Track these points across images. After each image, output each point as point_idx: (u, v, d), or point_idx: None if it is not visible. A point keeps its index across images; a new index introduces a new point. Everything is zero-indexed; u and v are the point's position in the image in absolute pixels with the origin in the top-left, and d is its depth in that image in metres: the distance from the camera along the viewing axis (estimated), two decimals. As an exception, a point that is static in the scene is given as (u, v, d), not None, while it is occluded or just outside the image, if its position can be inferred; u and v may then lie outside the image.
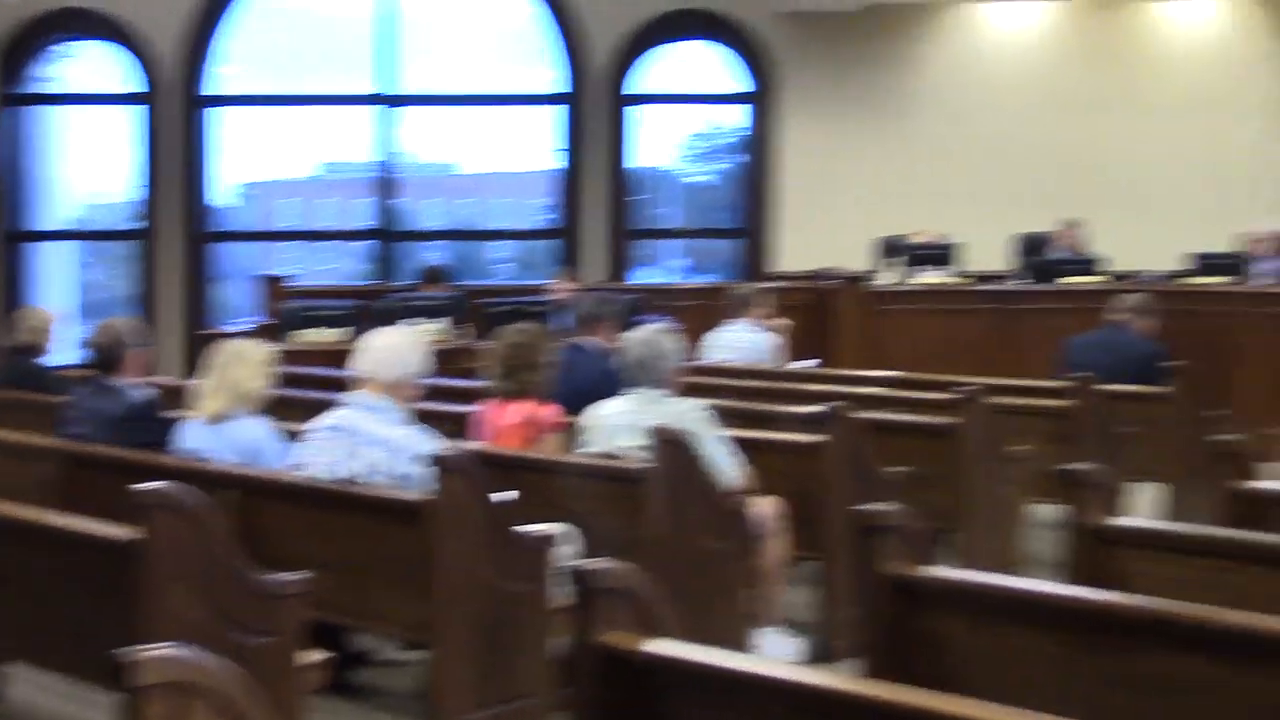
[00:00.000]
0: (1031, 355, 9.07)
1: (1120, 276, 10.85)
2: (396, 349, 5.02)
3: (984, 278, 11.56)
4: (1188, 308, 9.71)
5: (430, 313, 10.04)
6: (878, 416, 6.27)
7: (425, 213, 14.91)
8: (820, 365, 9.19)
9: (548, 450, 5.52)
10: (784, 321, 9.16)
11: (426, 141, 14.74)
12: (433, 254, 13.76)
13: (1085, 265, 11.13)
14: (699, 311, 9.79)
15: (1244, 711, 2.87)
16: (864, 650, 3.40)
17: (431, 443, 4.77)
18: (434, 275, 11.59)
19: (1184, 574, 3.69)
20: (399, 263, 13.87)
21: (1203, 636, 2.97)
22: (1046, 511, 6.41)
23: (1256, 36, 13.90)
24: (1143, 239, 12.14)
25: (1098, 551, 3.84)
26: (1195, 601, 3.21)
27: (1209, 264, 10.91)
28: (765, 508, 5.40)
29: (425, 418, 5.13)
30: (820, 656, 5.42)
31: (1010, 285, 11.24)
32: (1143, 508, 6.70)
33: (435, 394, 5.83)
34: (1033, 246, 11.90)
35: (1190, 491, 6.57)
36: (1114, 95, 13.66)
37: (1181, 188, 13.32)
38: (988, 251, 12.08)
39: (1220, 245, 11.31)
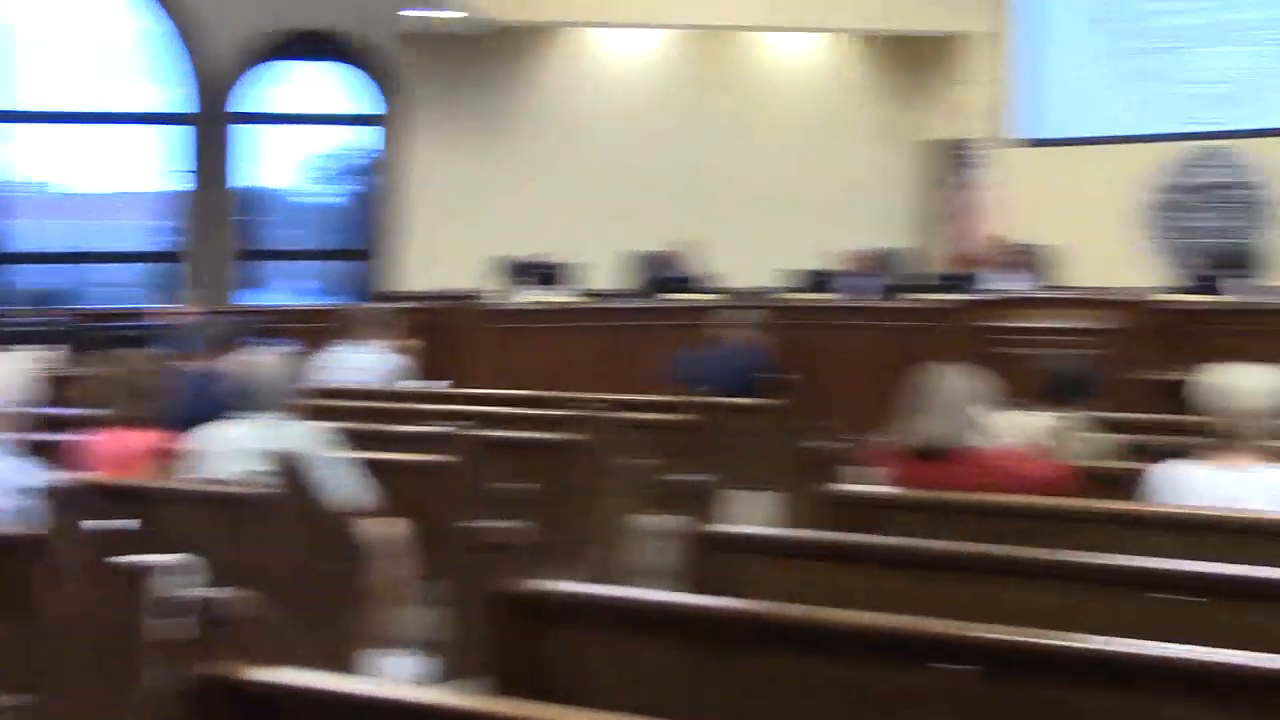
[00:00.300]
0: (649, 370, 9.33)
1: (732, 293, 11.26)
2: (-2, 378, 4.79)
3: (604, 295, 11.81)
4: (794, 322, 10.17)
5: (39, 339, 9.58)
6: (500, 434, 6.33)
7: (36, 234, 14.18)
8: (451, 386, 9.20)
9: (164, 477, 5.36)
10: (412, 342, 9.13)
11: (38, 160, 14.05)
12: (44, 277, 13.12)
13: (700, 282, 11.53)
14: (321, 333, 9.66)
15: (851, 706, 3.03)
16: (489, 669, 3.44)
17: (38, 474, 4.57)
18: (45, 299, 11.07)
19: (789, 576, 3.88)
20: (7, 287, 13.15)
21: (808, 635, 3.12)
22: (664, 522, 6.60)
23: (854, 68, 14.75)
24: (753, 256, 12.65)
25: (709, 559, 3.97)
26: (800, 602, 3.39)
27: (814, 280, 11.48)
28: (389, 529, 5.38)
29: (32, 448, 4.91)
30: (447, 676, 5.44)
31: (628, 302, 11.53)
32: (754, 515, 6.97)
33: (44, 423, 5.58)
34: (650, 264, 12.24)
35: (798, 497, 6.88)
36: (726, 120, 14.23)
37: (788, 208, 13.98)
38: (609, 270, 12.36)
39: (823, 263, 11.93)
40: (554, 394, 7.82)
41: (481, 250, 12.42)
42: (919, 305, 10.53)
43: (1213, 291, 10.31)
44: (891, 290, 11.28)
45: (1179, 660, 2.82)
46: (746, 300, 10.37)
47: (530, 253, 12.16)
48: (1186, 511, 4.32)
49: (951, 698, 2.88)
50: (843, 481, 4.71)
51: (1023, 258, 11.67)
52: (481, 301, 11.19)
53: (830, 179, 14.27)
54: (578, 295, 11.67)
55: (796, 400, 7.56)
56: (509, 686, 3.27)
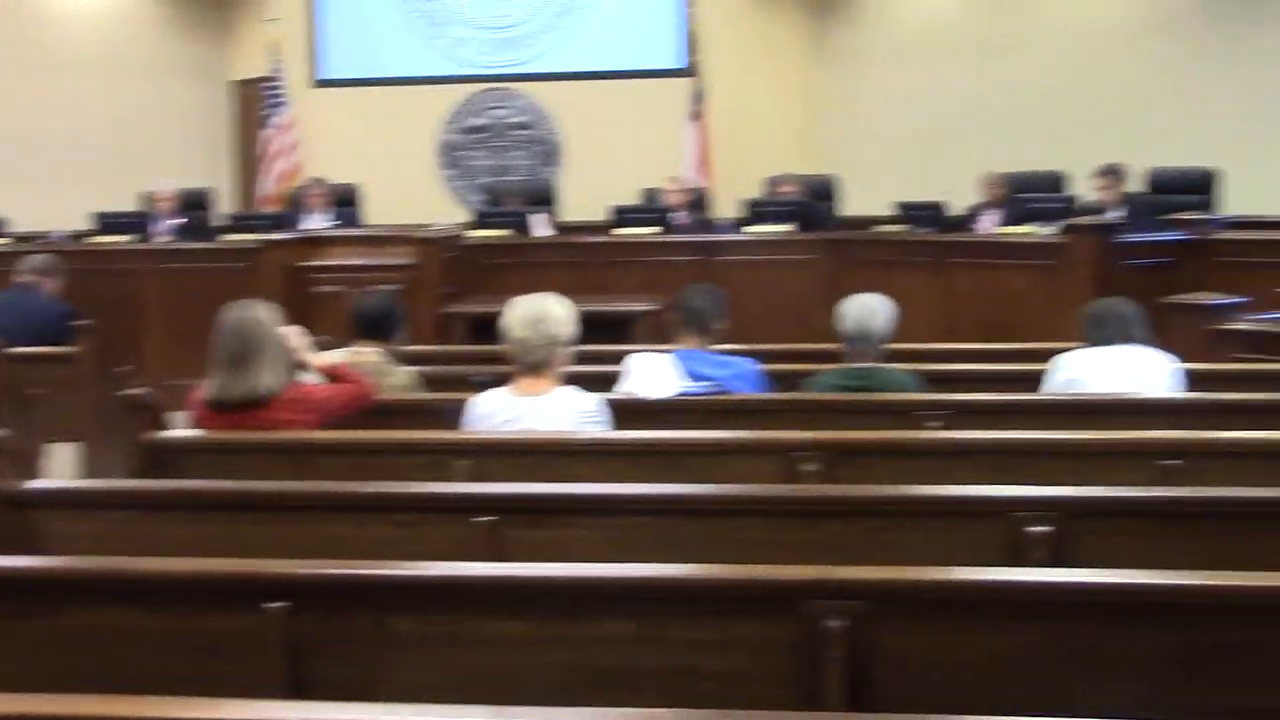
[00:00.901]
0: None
1: (24, 238, 10.70)
2: None
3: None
4: (94, 267, 9.75)
5: None
6: None
7: None
8: None
9: None
10: None
11: None
12: None
13: (-10, 227, 10.86)
14: None
15: (171, 654, 2.99)
16: None
17: None
18: None
19: (99, 528, 3.78)
20: None
21: (122, 587, 3.06)
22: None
23: (159, 3, 14.29)
24: (45, 199, 12.03)
25: (14, 516, 3.82)
26: (113, 553, 3.31)
27: (111, 223, 11.03)
28: None
29: None
30: None
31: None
32: (60, 468, 6.70)
33: None
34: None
35: (106, 448, 6.66)
36: (10, 58, 13.33)
37: (83, 148, 13.36)
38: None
39: (124, 204, 11.51)
40: None
41: None
42: (231, 246, 10.37)
43: (514, 227, 10.82)
44: (203, 232, 11.04)
45: (488, 578, 3.00)
46: (42, 246, 9.86)
47: None
48: (490, 437, 4.57)
49: (269, 635, 2.91)
50: (153, 430, 4.60)
51: (331, 196, 11.77)
52: None
53: (139, 119, 13.76)
54: None
55: (103, 348, 7.29)
56: None
